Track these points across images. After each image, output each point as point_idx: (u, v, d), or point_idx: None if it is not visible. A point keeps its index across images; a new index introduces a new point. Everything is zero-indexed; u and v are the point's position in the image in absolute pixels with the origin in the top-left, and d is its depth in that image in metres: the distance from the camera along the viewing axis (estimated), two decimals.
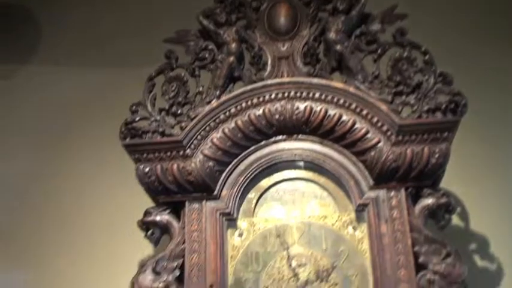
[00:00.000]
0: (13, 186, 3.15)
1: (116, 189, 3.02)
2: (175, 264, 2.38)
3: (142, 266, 2.39)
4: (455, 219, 2.75)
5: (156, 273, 2.36)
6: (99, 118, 3.14)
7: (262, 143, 2.45)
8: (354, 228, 2.38)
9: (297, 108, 2.38)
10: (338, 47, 2.47)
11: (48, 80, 3.35)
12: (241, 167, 2.46)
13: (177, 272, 2.37)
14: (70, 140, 3.20)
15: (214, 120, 2.42)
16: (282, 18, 2.58)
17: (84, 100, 3.26)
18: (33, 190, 3.13)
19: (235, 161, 2.45)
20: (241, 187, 2.44)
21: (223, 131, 2.41)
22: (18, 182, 3.15)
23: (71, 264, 2.96)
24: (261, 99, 2.41)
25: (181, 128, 2.44)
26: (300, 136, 2.44)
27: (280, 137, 2.45)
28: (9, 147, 3.24)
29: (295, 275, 2.35)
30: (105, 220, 3.00)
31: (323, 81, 2.41)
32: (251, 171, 2.45)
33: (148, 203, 2.52)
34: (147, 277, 2.36)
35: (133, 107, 2.51)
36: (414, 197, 2.35)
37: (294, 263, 2.37)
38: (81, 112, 3.23)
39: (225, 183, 2.45)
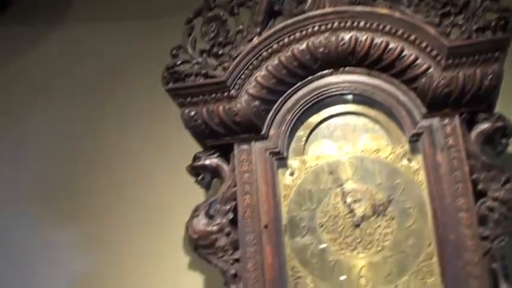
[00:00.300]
0: (64, 143, 3.27)
1: (163, 136, 3.10)
2: (228, 207, 2.47)
3: (195, 211, 2.49)
4: None
5: (210, 216, 2.46)
6: (142, 67, 3.21)
7: (308, 78, 2.49)
8: (409, 160, 2.42)
9: (342, 39, 2.41)
10: None
11: (85, 34, 3.43)
12: (288, 104, 2.51)
13: (231, 215, 2.46)
14: (114, 93, 3.28)
15: (257, 58, 2.47)
16: None
17: (123, 51, 3.33)
18: (84, 144, 3.24)
19: (281, 98, 2.50)
20: (289, 125, 2.50)
21: (266, 69, 2.46)
22: (68, 137, 3.27)
23: (122, 216, 3.07)
24: (303, 32, 2.44)
25: (224, 69, 2.49)
26: (346, 69, 2.47)
27: (326, 71, 2.48)
28: (54, 104, 3.35)
29: (351, 211, 2.42)
30: (155, 168, 3.09)
31: (367, 9, 2.42)
32: (298, 108, 2.50)
33: (196, 148, 2.62)
34: (201, 221, 2.46)
35: (174, 51, 2.57)
36: (469, 123, 2.37)
37: (349, 199, 2.43)
38: (121, 64, 3.31)
39: (272, 122, 2.50)
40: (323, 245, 2.41)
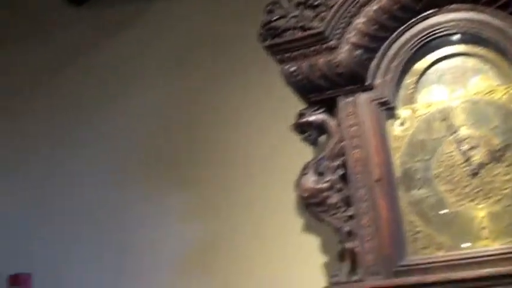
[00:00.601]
0: (168, 113, 3.42)
1: (265, 96, 3.15)
2: (337, 163, 2.51)
3: (304, 169, 2.54)
4: None
5: (319, 174, 2.51)
6: (238, 29, 3.26)
7: (411, 21, 2.48)
8: None
9: None
10: None
11: (175, 6, 3.56)
12: (392, 51, 2.50)
13: (341, 171, 2.50)
14: (213, 59, 3.37)
15: (355, 5, 2.47)
16: None
17: (217, 16, 3.43)
18: (187, 112, 3.37)
19: (384, 45, 2.50)
20: (395, 73, 2.49)
21: (366, 15, 2.46)
22: (171, 107, 3.41)
23: (229, 181, 3.16)
24: None
25: (322, 20, 2.50)
26: (451, 6, 2.44)
27: (429, 11, 2.46)
28: (153, 78, 3.50)
29: (467, 159, 2.39)
30: (260, 130, 3.15)
31: None
32: (403, 54, 2.49)
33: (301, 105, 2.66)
34: (310, 178, 2.52)
35: (269, 7, 2.60)
36: None
37: (464, 147, 2.41)
38: (218, 28, 3.39)
39: (377, 71, 2.51)
40: (444, 211, 2.39)
